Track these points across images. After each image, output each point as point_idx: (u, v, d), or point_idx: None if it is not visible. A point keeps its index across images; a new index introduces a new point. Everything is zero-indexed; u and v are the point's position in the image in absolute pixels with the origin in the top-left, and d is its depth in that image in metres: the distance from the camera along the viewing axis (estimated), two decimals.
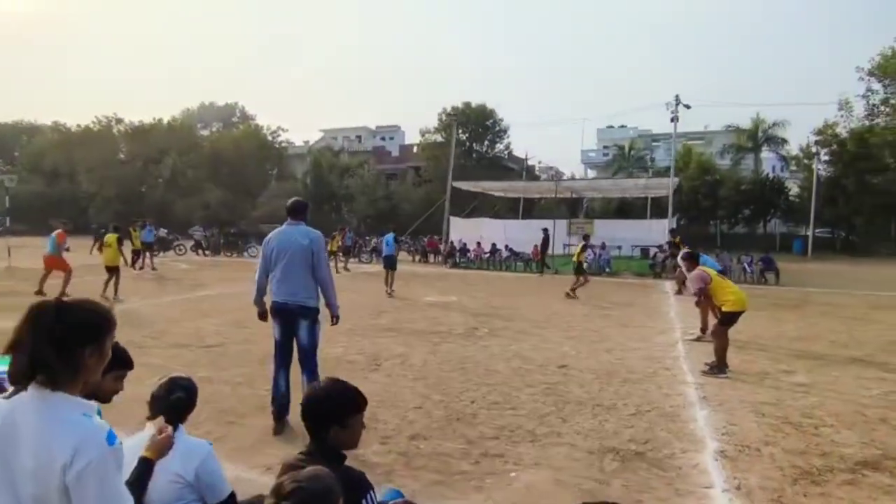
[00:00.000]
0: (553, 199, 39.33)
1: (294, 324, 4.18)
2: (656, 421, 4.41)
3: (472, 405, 4.75)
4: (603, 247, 19.63)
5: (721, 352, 5.96)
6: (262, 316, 4.38)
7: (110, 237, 10.85)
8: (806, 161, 36.23)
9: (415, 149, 51.95)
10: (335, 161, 47.19)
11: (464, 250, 21.72)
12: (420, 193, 43.19)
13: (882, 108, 30.76)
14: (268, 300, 4.28)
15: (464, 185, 25.74)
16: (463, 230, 24.23)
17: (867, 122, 32.69)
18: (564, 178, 46.60)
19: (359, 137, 58.89)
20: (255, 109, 74.89)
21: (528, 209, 33.81)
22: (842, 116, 35.74)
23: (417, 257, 23.86)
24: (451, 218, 24.20)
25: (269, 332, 4.37)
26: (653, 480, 3.35)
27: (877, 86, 30.87)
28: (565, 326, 8.73)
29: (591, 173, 57.76)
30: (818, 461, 3.62)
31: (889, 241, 33.20)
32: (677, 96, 20.40)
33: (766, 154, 43.84)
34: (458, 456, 3.68)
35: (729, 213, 37.41)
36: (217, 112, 57.08)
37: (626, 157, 48.30)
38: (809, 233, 32.67)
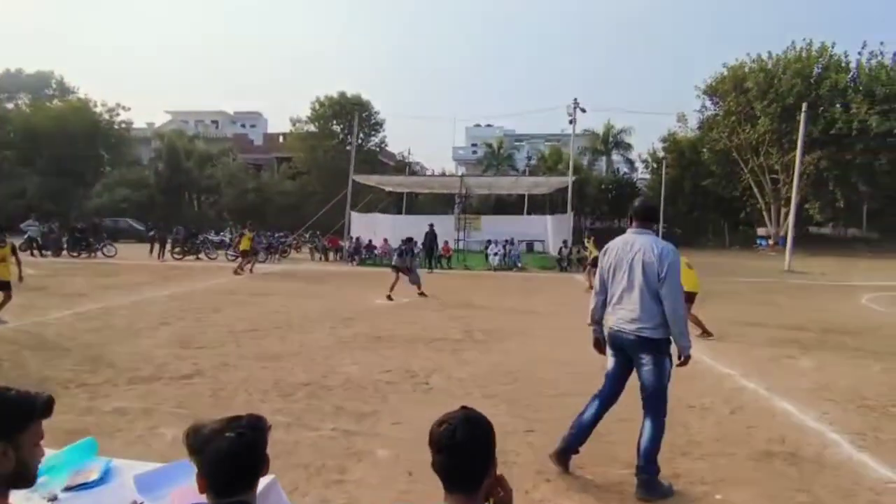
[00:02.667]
0: (431, 195, 39.72)
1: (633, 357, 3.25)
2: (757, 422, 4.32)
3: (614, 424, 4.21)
4: (512, 242, 20.05)
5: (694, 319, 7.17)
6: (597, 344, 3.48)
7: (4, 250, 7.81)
8: (654, 164, 41.12)
9: (281, 138, 48.57)
10: (192, 147, 41.99)
11: (369, 247, 20.62)
12: (293, 186, 40.46)
13: (712, 121, 36.02)
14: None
15: (363, 179, 24.46)
16: (359, 226, 23.07)
17: (699, 133, 38.18)
18: (436, 173, 47.39)
19: (215, 123, 53.36)
20: (79, 82, 63.62)
21: (408, 205, 33.53)
22: (680, 127, 41.40)
23: (318, 256, 22.09)
24: (353, 213, 22.83)
25: (241, 351, 3.39)
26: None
27: (709, 103, 36.13)
28: (554, 323, 8.53)
29: (462, 170, 59.44)
30: None
31: (715, 235, 39.11)
32: (575, 100, 21.73)
33: (616, 157, 49.03)
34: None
35: (592, 210, 41.03)
36: (25, 82, 47.20)
37: (495, 155, 50.38)
38: (658, 228, 37.15)
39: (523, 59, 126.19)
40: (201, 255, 20.63)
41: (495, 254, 19.19)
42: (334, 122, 42.18)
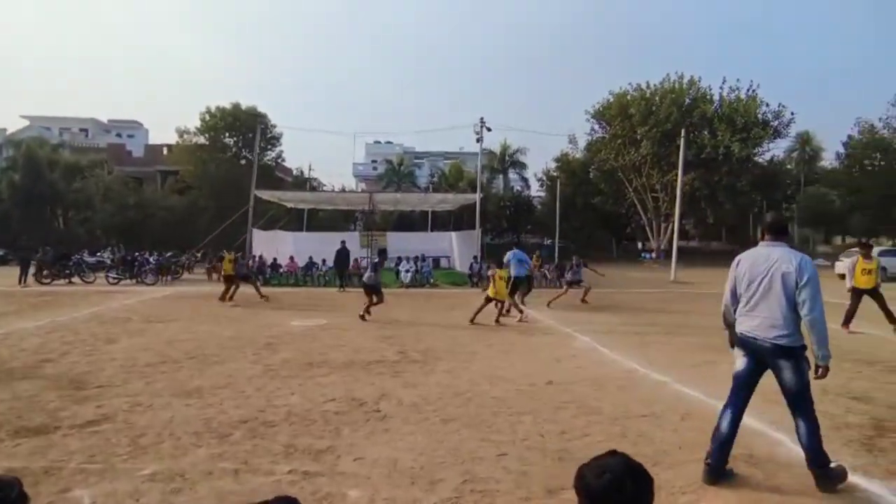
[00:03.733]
0: (332, 211, 38.70)
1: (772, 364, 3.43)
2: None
3: (580, 441, 4.13)
4: (423, 259, 19.95)
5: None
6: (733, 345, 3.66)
7: None
8: (548, 183, 43.44)
9: (166, 150, 44.81)
10: (56, 157, 37.32)
11: (274, 265, 19.43)
12: (180, 201, 37.34)
13: (600, 143, 38.91)
14: None
15: (264, 195, 23.12)
16: (260, 244, 21.76)
17: (589, 154, 41.06)
18: (335, 190, 46.33)
19: (85, 131, 47.94)
20: None
21: (308, 221, 32.37)
22: (571, 148, 44.26)
23: (215, 276, 20.39)
24: (254, 230, 21.43)
25: (153, 387, 3.06)
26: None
27: (597, 126, 39.05)
28: (484, 343, 8.48)
29: (362, 186, 58.72)
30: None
31: (604, 249, 42.04)
32: (482, 119, 22.27)
33: (512, 175, 51.23)
34: None
35: (492, 226, 42.33)
36: None
37: (396, 171, 50.45)
38: (554, 242, 39.13)
39: (422, 79, 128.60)
40: (75, 279, 18.20)
41: (407, 271, 18.99)
42: (227, 134, 39.78)
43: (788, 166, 45.75)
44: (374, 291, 10.72)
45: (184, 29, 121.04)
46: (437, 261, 25.98)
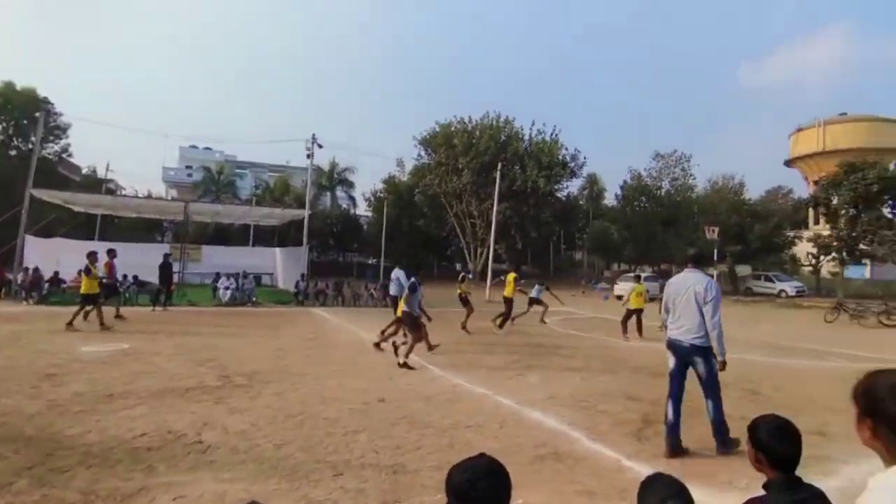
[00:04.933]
0: (134, 219, 34.15)
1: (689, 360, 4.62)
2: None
3: (412, 454, 4.29)
4: (245, 276, 18.67)
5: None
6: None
7: None
8: (375, 203, 44.08)
9: None
10: None
11: (54, 280, 16.33)
12: None
13: (425, 169, 40.89)
14: None
15: (46, 195, 19.33)
16: (36, 254, 18.18)
17: (415, 178, 42.82)
18: (141, 195, 41.01)
19: None
20: None
21: (102, 230, 28.11)
22: (398, 171, 45.69)
23: None
24: (28, 237, 17.72)
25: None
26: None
27: (423, 153, 41.00)
28: (314, 363, 8.31)
29: (173, 193, 52.90)
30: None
31: (427, 269, 43.91)
32: (314, 135, 21.74)
33: (339, 193, 50.91)
34: None
35: (318, 243, 41.39)
36: None
37: (215, 180, 46.63)
38: (380, 262, 39.75)
39: (249, 87, 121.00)
40: None
41: (227, 288, 17.60)
42: None
43: (581, 202, 53.29)
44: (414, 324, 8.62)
45: None
46: (258, 278, 24.59)
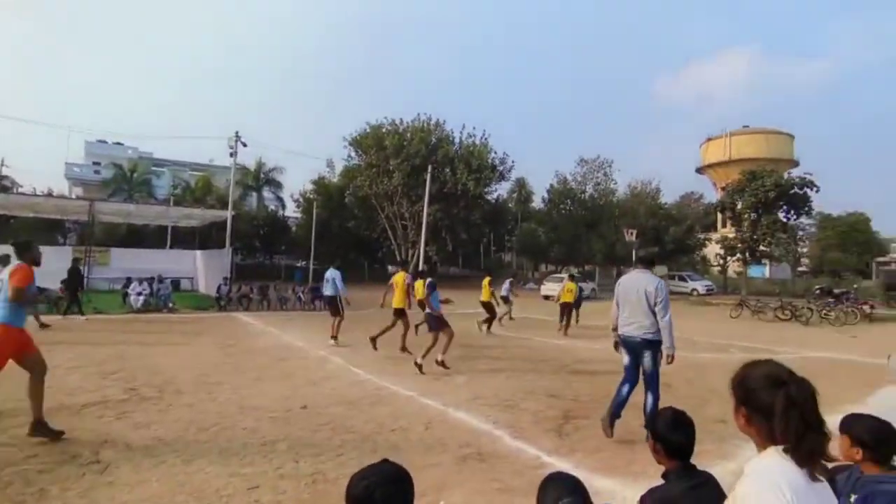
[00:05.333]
0: (28, 220, 31.29)
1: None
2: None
3: (334, 461, 4.14)
4: (161, 280, 17.52)
5: None
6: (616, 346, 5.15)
7: None
8: (305, 204, 42.89)
9: None
10: None
11: None
12: None
13: (356, 170, 40.27)
14: None
15: None
16: None
17: (345, 180, 42.11)
18: (41, 193, 37.57)
19: None
20: None
21: None
22: (328, 172, 44.75)
23: None
24: None
25: None
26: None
27: (354, 153, 40.34)
28: (233, 371, 7.92)
29: (78, 191, 48.93)
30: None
31: (358, 271, 43.27)
32: (237, 133, 20.71)
33: (267, 194, 49.15)
34: None
35: (244, 245, 39.69)
36: None
37: (127, 178, 43.61)
38: (309, 264, 38.73)
39: (166, 79, 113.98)
40: None
41: (139, 293, 16.44)
42: None
43: (510, 205, 54.51)
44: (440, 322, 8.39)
45: None
46: (176, 283, 23.25)
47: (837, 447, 2.10)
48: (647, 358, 4.87)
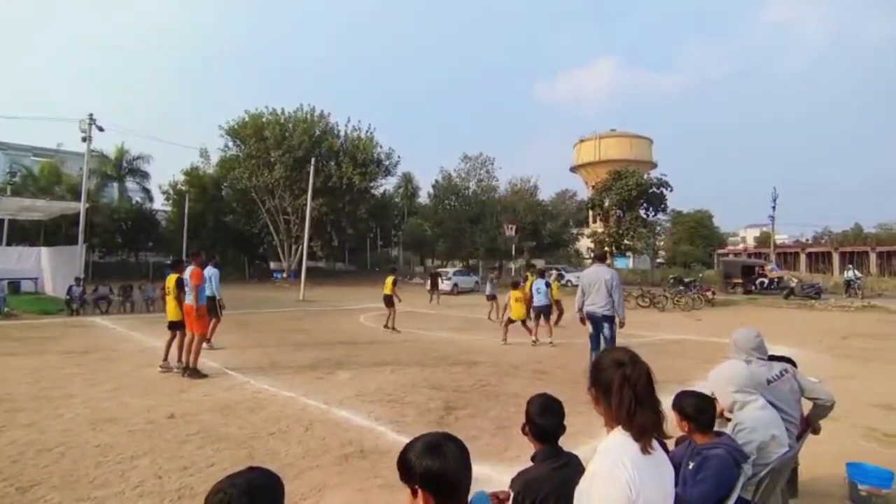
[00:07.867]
0: None
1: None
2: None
3: (203, 473, 3.82)
4: None
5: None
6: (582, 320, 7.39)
7: None
8: (175, 197, 39.36)
9: None
10: None
11: None
12: None
13: (234, 161, 37.77)
14: None
15: None
16: None
17: (222, 171, 39.32)
18: None
19: None
20: None
21: None
22: (203, 163, 41.49)
23: None
24: None
25: None
26: None
27: (231, 144, 37.79)
28: (88, 381, 7.06)
29: None
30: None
31: (236, 269, 40.78)
32: (91, 115, 18.19)
33: (131, 185, 44.46)
34: None
35: (102, 242, 35.55)
36: None
37: None
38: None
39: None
40: None
41: None
42: None
43: (396, 199, 54.52)
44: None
45: None
46: (16, 284, 20.28)
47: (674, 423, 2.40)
48: (606, 329, 6.95)
